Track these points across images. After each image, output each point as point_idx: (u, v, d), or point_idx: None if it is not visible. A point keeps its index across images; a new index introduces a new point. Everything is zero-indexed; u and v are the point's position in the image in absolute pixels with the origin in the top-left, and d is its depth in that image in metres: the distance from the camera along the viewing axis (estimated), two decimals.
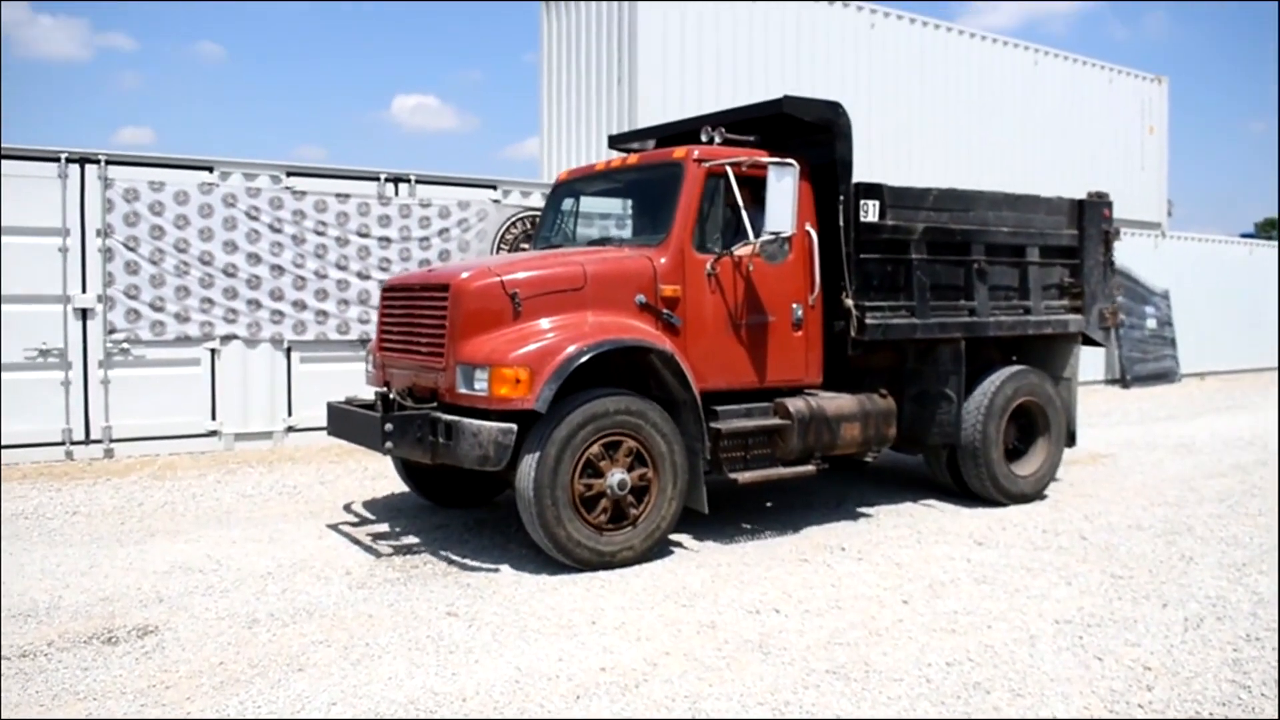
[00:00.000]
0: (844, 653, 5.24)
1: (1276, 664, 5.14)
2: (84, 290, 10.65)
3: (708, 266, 7.41)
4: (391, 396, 7.15)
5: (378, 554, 7.27)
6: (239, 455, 11.01)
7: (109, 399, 10.71)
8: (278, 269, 11.41)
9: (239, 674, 5.00)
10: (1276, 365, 22.52)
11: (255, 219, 11.34)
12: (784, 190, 7.09)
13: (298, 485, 9.42)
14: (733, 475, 7.43)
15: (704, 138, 7.70)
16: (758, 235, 7.27)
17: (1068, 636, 5.47)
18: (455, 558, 7.12)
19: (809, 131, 8.11)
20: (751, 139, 7.93)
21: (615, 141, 9.82)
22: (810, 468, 7.80)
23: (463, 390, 6.68)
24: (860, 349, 8.13)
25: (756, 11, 16.44)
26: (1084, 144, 21.12)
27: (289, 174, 11.61)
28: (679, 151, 7.67)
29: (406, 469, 8.50)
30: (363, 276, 11.85)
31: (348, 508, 8.82)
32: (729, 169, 7.47)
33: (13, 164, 10.40)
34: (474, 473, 7.15)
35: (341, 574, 6.76)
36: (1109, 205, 9.89)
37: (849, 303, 7.98)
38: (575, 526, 6.62)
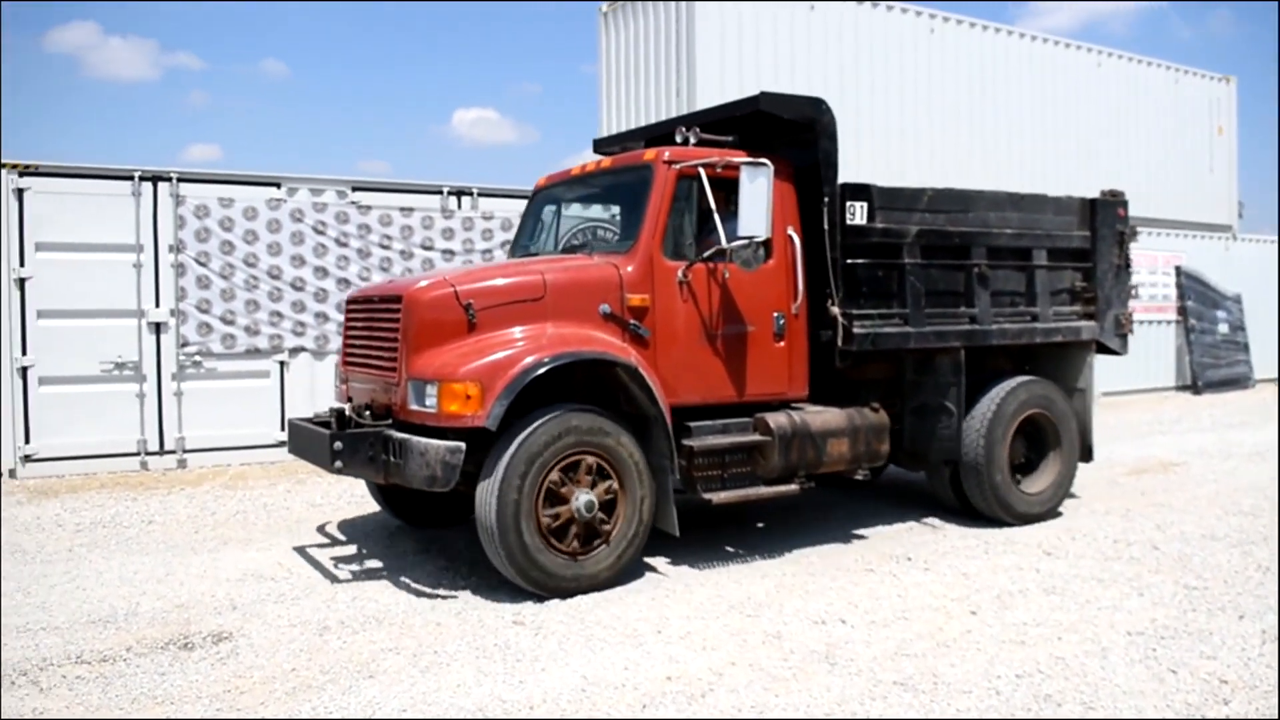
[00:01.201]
0: (911, 664, 5.21)
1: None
2: (157, 305, 10.91)
3: (679, 274, 7.01)
4: (348, 413, 6.86)
5: (445, 561, 7.34)
6: (308, 465, 11.15)
7: (182, 411, 10.95)
8: (344, 282, 11.59)
9: (311, 680, 5.09)
10: None
11: (322, 233, 11.54)
12: (757, 192, 6.70)
13: (364, 495, 9.53)
14: (706, 495, 7.01)
15: (678, 138, 7.32)
16: (731, 240, 6.92)
17: (1140, 649, 5.38)
18: None
19: (796, 131, 7.65)
20: (729, 139, 7.48)
21: (600, 145, 9.25)
22: (793, 487, 7.35)
23: (414, 406, 6.39)
24: (849, 360, 7.67)
25: (815, 21, 16.38)
26: (1150, 146, 20.75)
27: (354, 188, 11.81)
28: (649, 153, 7.30)
29: (379, 488, 8.15)
30: None
31: None
32: (702, 170, 7.05)
33: (88, 183, 10.72)
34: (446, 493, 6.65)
35: (409, 582, 6.84)
36: (1124, 204, 9.31)
37: (835, 311, 7.52)
38: (540, 551, 6.27)
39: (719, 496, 7.05)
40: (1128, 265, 9.31)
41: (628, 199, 7.47)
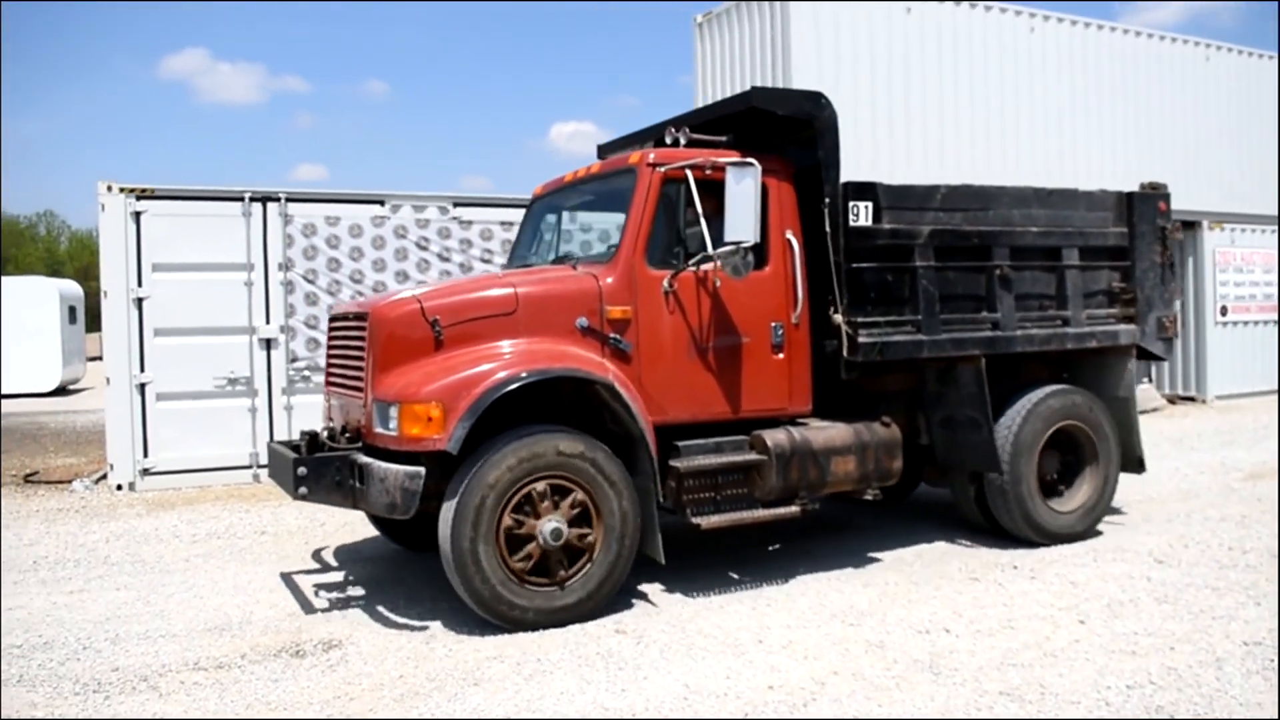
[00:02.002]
0: (1018, 674, 5.12)
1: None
2: (267, 321, 11.26)
3: (665, 283, 6.61)
4: (323, 435, 6.72)
5: None
6: None
7: (291, 424, 11.25)
8: None
9: (418, 687, 5.20)
10: None
11: (425, 249, 11.79)
12: (744, 194, 6.24)
13: None
14: (695, 519, 6.55)
15: (668, 139, 6.94)
16: (718, 246, 6.44)
17: (1258, 659, 5.21)
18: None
19: (797, 129, 7.22)
20: (723, 139, 7.08)
21: (604, 150, 8.58)
22: (794, 509, 6.87)
23: (378, 429, 6.13)
24: (856, 371, 7.20)
25: (912, 23, 16.21)
26: (1265, 142, 20.05)
27: (455, 204, 12.04)
28: (634, 155, 6.90)
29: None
30: None
31: None
32: (689, 173, 6.63)
33: (201, 204, 11.13)
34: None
35: None
36: (1165, 197, 8.55)
37: (838, 319, 7.06)
38: (503, 583, 5.94)
39: (708, 521, 6.59)
40: (1171, 264, 8.63)
41: (614, 204, 7.10)
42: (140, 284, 10.89)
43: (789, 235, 7.05)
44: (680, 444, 6.64)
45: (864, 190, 7.19)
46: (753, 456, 6.76)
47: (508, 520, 5.97)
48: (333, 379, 7.07)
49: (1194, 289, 18.26)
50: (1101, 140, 17.94)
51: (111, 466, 10.92)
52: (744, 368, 6.89)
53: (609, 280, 6.54)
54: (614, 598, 6.34)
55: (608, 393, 6.29)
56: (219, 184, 11.37)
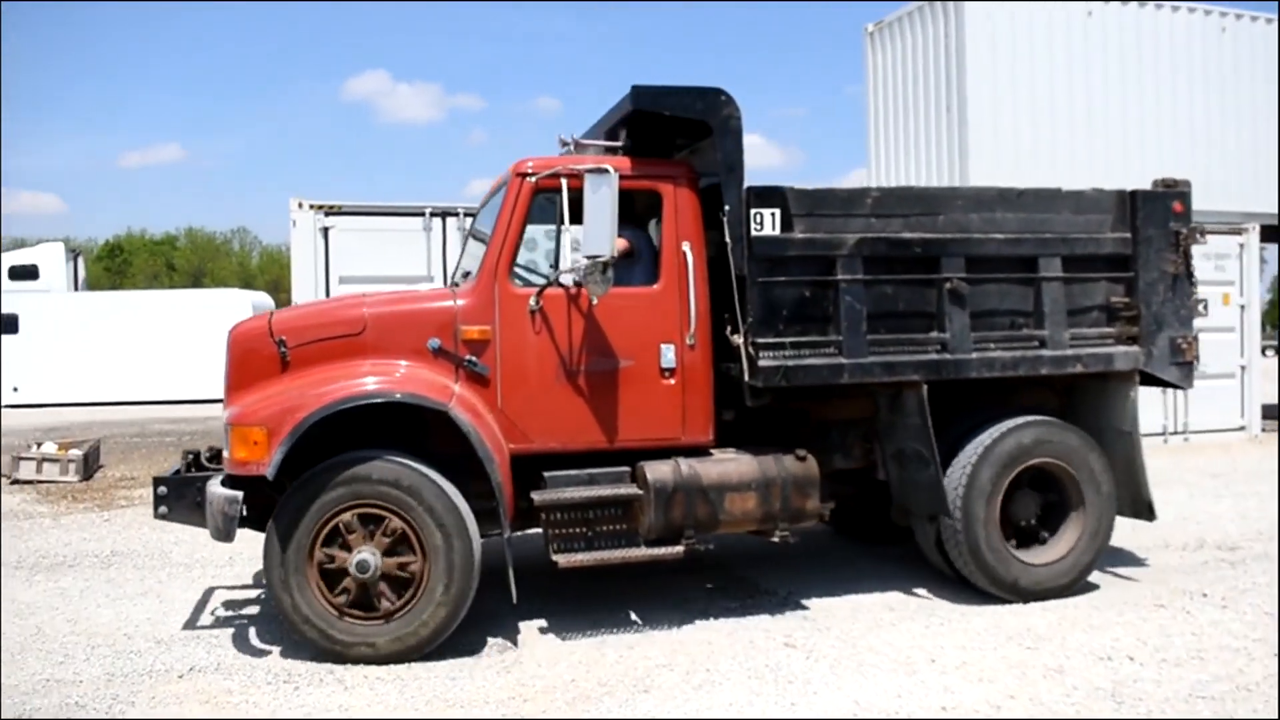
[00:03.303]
0: (1207, 707, 4.90)
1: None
2: None
3: (531, 302, 6.24)
4: (204, 456, 6.62)
5: (713, 582, 7.47)
6: None
7: None
8: None
9: (589, 692, 5.31)
10: None
11: None
12: (600, 204, 5.78)
13: None
14: (555, 557, 6.14)
15: (560, 147, 6.60)
16: (576, 262, 6.00)
17: None
18: (791, 589, 7.20)
19: (707, 132, 6.58)
20: (619, 145, 6.65)
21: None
22: (677, 549, 6.24)
23: (224, 452, 6.00)
24: (765, 398, 6.49)
25: (1092, 33, 15.72)
26: None
27: None
28: (515, 164, 6.45)
29: None
30: None
31: None
32: (564, 182, 6.17)
33: (384, 220, 11.67)
34: None
35: (679, 600, 7.01)
36: (1180, 196, 7.25)
37: (736, 340, 6.42)
38: (321, 617, 5.75)
39: (567, 559, 6.13)
40: (1189, 275, 7.26)
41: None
42: (328, 295, 11.43)
43: (685, 247, 6.48)
44: (547, 474, 6.24)
45: (768, 196, 6.46)
46: (629, 491, 6.26)
47: (319, 554, 5.78)
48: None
49: None
50: None
51: None
52: (625, 393, 6.37)
53: (465, 299, 6.25)
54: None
55: (444, 418, 5.92)
56: (400, 200, 11.91)
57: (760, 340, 6.39)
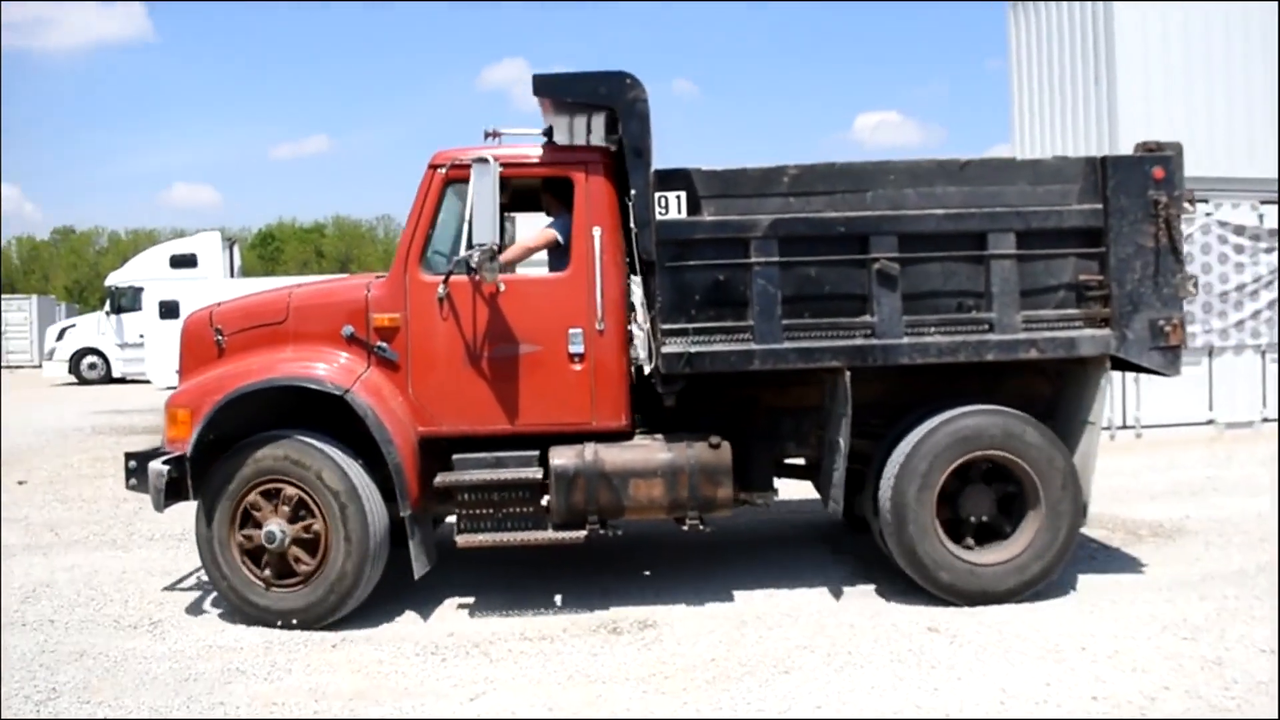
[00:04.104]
0: None
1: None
2: None
3: (439, 289, 6.46)
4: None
5: (856, 564, 7.40)
6: None
7: None
8: None
9: (730, 671, 5.34)
10: None
11: None
12: (483, 193, 6.02)
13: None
14: (457, 537, 6.47)
15: (485, 139, 6.72)
16: (468, 250, 6.22)
17: None
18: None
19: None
20: (542, 134, 6.78)
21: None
22: (579, 534, 6.42)
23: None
24: (672, 385, 6.45)
25: (1252, 26, 14.99)
26: None
27: None
28: (432, 157, 6.68)
29: None
30: None
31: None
32: (472, 173, 6.23)
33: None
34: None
35: (820, 582, 6.96)
36: (1161, 161, 6.51)
37: (633, 327, 6.52)
38: (248, 586, 6.34)
39: (466, 539, 6.44)
40: (1175, 249, 6.54)
41: None
42: None
43: (595, 233, 6.53)
44: (455, 457, 6.49)
45: (672, 179, 6.36)
46: (531, 474, 6.42)
47: (238, 537, 6.33)
48: None
49: None
50: None
51: None
52: (533, 378, 6.54)
53: (377, 287, 6.63)
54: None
55: (344, 402, 6.32)
56: None
57: (667, 326, 6.35)
